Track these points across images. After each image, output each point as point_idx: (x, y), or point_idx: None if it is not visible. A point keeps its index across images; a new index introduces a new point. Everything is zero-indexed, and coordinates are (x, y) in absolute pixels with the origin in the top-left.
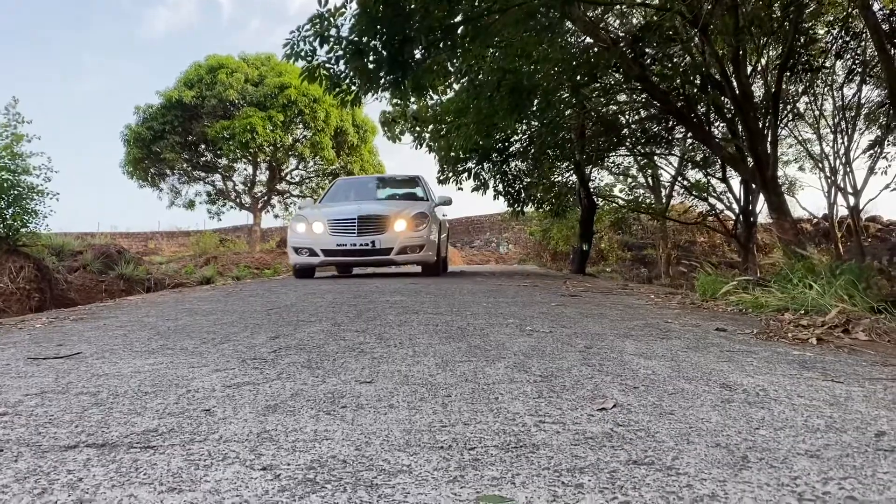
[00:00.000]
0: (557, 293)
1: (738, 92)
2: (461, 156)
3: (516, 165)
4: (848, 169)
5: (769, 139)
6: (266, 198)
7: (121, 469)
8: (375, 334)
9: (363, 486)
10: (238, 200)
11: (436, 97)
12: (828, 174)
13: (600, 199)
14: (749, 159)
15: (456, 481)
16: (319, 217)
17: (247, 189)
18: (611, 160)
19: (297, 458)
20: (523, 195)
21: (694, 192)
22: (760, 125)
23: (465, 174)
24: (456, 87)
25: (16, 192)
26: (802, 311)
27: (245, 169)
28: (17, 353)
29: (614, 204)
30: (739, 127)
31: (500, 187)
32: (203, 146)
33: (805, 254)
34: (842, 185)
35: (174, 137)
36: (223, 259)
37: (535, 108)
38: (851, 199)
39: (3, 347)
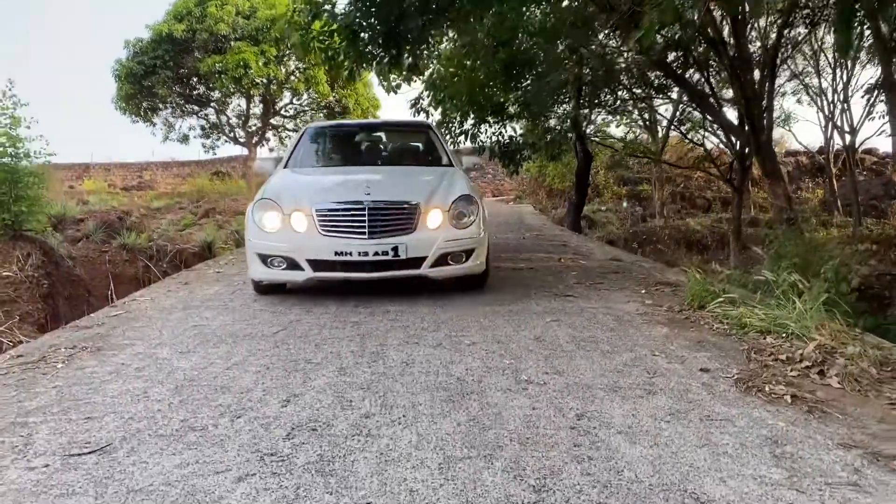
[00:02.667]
0: (553, 285)
1: (736, 55)
2: (458, 118)
3: (511, 126)
4: (845, 106)
5: (765, 104)
6: (260, 132)
7: None
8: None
9: None
10: (232, 134)
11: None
12: (825, 111)
13: (597, 144)
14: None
15: None
16: (300, 201)
17: (241, 123)
18: (608, 100)
19: None
20: (518, 157)
21: (689, 137)
22: (756, 88)
23: (463, 136)
24: (450, 48)
25: (17, 179)
26: (784, 336)
27: (238, 104)
28: (52, 439)
29: (611, 148)
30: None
31: (496, 149)
32: (195, 80)
33: (793, 215)
34: (838, 123)
35: (166, 72)
36: (220, 206)
37: (529, 79)
38: (848, 137)
39: (36, 427)
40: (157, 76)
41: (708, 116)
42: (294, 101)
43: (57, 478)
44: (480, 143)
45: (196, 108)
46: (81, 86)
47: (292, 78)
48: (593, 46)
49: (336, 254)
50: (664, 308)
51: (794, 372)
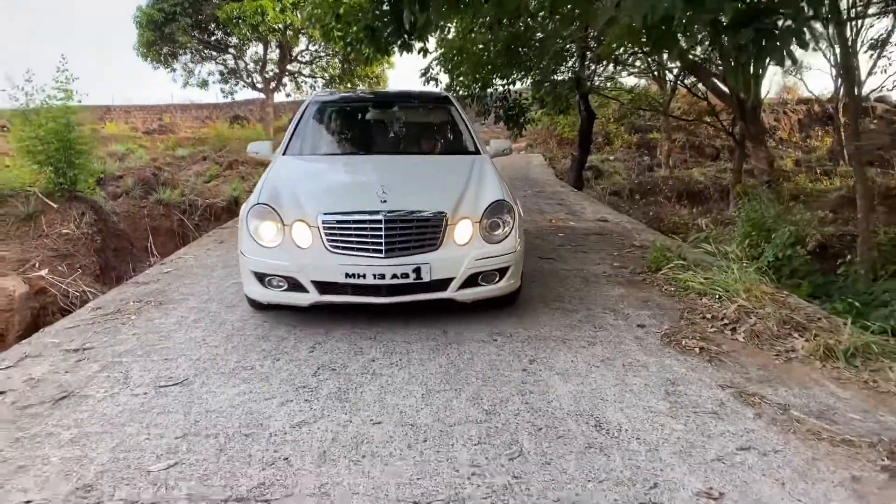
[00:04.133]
0: (538, 248)
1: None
2: (465, 84)
3: (516, 91)
4: (854, 59)
5: (753, 73)
6: (277, 77)
7: None
8: None
9: None
10: (250, 80)
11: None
12: (834, 61)
13: (604, 97)
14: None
15: None
16: (304, 208)
17: (258, 69)
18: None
19: None
20: (522, 119)
21: (693, 91)
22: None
23: (469, 99)
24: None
25: (71, 146)
26: (717, 297)
27: (256, 50)
28: (143, 375)
29: (618, 101)
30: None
31: (501, 112)
32: (214, 26)
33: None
34: (843, 75)
35: (185, 19)
36: (242, 156)
37: (531, 58)
38: (855, 88)
39: (130, 365)
40: (177, 23)
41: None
42: (309, 47)
43: (154, 402)
44: (485, 107)
45: (214, 53)
46: (103, 31)
47: (308, 24)
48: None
49: (347, 276)
50: (628, 271)
51: (712, 329)
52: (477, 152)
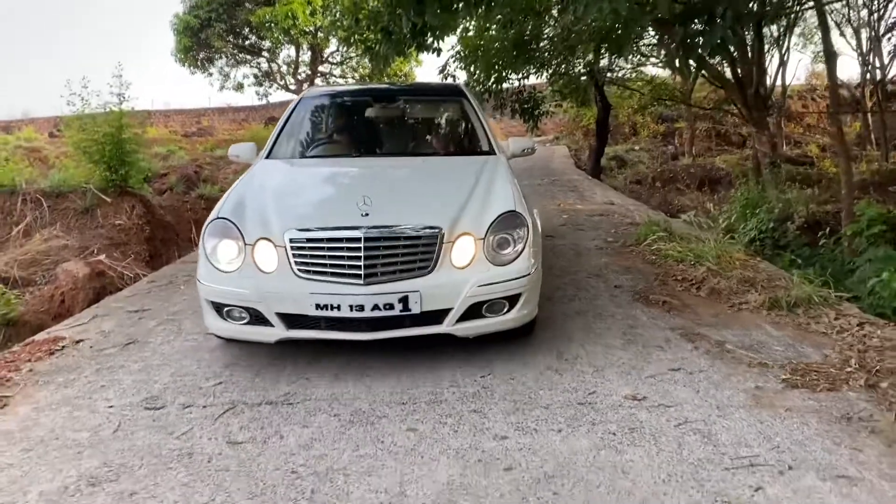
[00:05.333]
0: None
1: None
2: (482, 79)
3: (531, 85)
4: (877, 43)
5: (753, 61)
6: (310, 78)
7: None
8: None
9: None
10: (283, 82)
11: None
12: (855, 47)
13: (624, 89)
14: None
15: None
16: (268, 223)
17: (291, 71)
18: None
19: None
20: (536, 112)
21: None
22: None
23: (486, 94)
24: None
25: (123, 147)
26: (691, 263)
27: (288, 53)
28: (193, 328)
29: (638, 92)
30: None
31: (516, 106)
32: (248, 30)
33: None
34: (869, 60)
35: (220, 25)
36: None
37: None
38: (878, 74)
39: (182, 321)
40: (213, 28)
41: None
42: (340, 48)
43: (204, 345)
44: (501, 101)
45: (249, 57)
46: (142, 38)
47: (344, 22)
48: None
49: (318, 307)
50: (618, 244)
51: (680, 288)
52: (491, 153)
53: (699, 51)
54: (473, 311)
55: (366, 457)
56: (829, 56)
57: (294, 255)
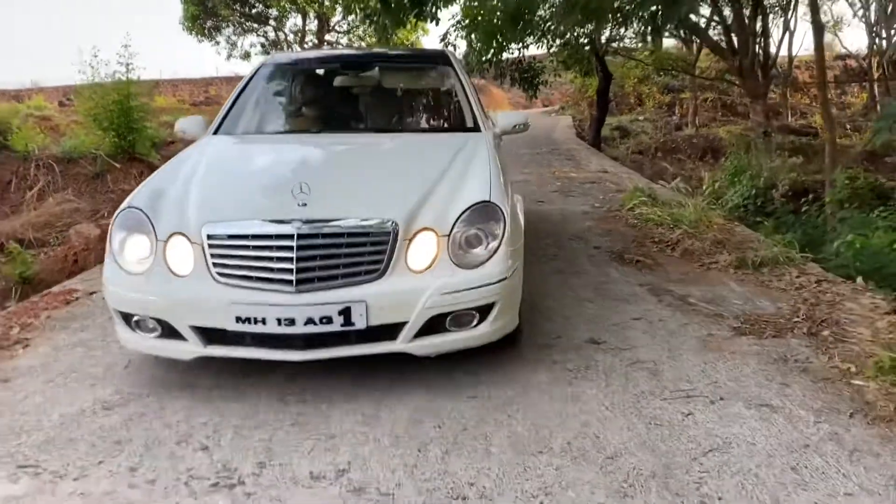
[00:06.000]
0: (533, 194)
1: None
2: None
3: (530, 55)
4: (884, 14)
5: (749, 30)
6: (316, 48)
7: None
8: None
9: None
10: (291, 51)
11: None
12: (865, 17)
13: (628, 59)
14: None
15: None
16: (185, 215)
17: (298, 39)
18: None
19: None
20: (536, 80)
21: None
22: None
23: (487, 64)
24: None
25: (130, 114)
26: (670, 226)
27: (295, 21)
28: None
29: (642, 62)
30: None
31: (516, 75)
32: None
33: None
34: (877, 31)
35: None
36: None
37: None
38: (884, 43)
39: None
40: None
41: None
42: (346, 17)
43: None
44: (501, 70)
45: (256, 25)
46: (149, 6)
47: None
48: None
49: (238, 320)
50: (604, 209)
51: (655, 249)
52: (475, 129)
53: (666, 24)
54: (435, 325)
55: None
56: (818, 28)
57: (212, 255)
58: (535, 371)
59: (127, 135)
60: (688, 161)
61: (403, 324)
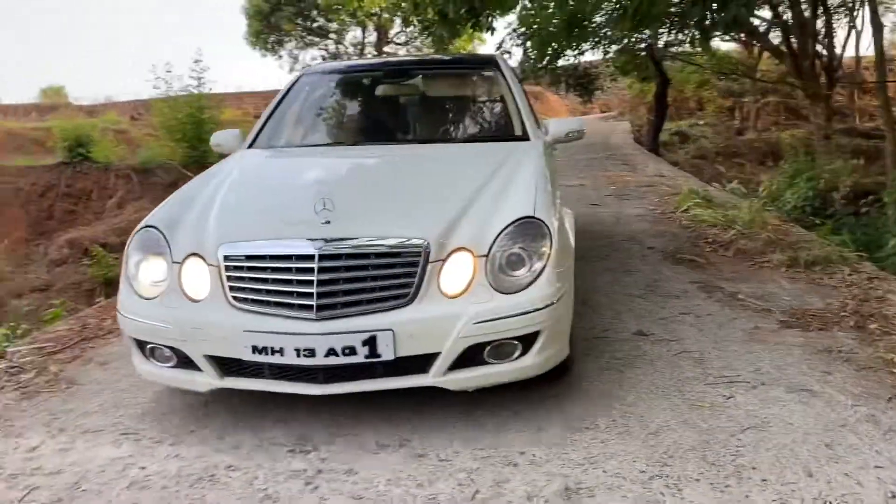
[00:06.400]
0: (589, 197)
1: None
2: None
3: (585, 61)
4: None
5: (809, 31)
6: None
7: None
8: None
9: None
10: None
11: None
12: None
13: (686, 63)
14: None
15: None
16: (203, 235)
17: (357, 52)
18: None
19: None
20: (591, 86)
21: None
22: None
23: (542, 71)
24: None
25: (202, 125)
26: (723, 227)
27: (354, 34)
28: None
29: (701, 66)
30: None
31: (571, 81)
32: (315, 13)
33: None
34: None
35: (289, 8)
36: None
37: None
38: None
39: None
40: (282, 12)
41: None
42: (404, 29)
43: None
44: (557, 77)
45: (317, 39)
46: (214, 23)
47: (403, 4)
48: None
49: (255, 350)
50: (658, 211)
51: (709, 249)
52: (524, 137)
53: (714, 29)
54: (472, 356)
55: None
56: (877, 28)
57: (229, 278)
58: (584, 360)
59: (198, 145)
60: (748, 165)
61: (436, 355)
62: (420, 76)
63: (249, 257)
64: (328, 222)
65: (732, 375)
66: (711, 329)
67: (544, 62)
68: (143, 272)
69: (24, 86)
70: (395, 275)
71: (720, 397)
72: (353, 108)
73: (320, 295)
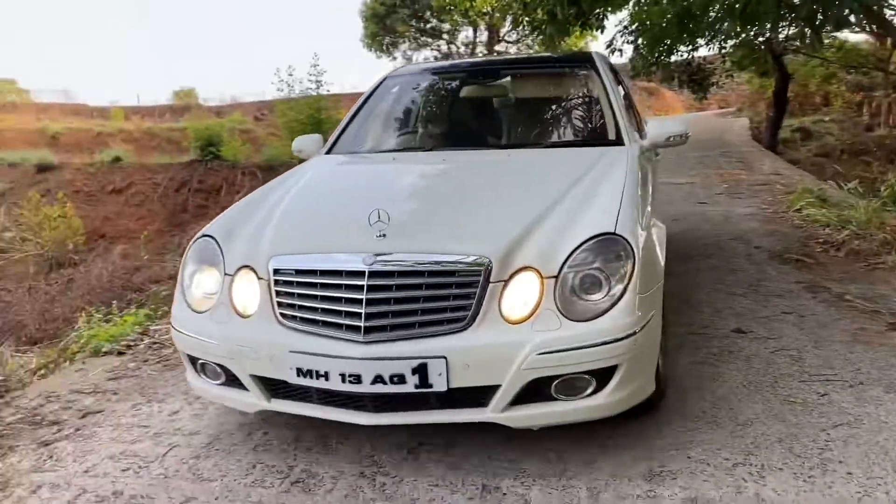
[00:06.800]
0: (697, 196)
1: None
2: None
3: (699, 56)
4: None
5: None
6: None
7: None
8: None
9: None
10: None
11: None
12: None
13: (810, 57)
14: None
15: None
16: (257, 246)
17: (469, 51)
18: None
19: None
20: (705, 82)
21: None
22: None
23: (654, 66)
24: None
25: (322, 124)
26: (837, 227)
27: (466, 34)
28: None
29: (826, 60)
30: None
31: (685, 77)
32: (429, 14)
33: None
34: None
35: (404, 11)
36: None
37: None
38: None
39: None
40: (397, 14)
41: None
42: (514, 29)
43: None
44: (670, 73)
45: (430, 40)
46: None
47: (513, 3)
48: None
49: (300, 373)
50: (770, 210)
51: (819, 249)
52: (618, 142)
53: (824, 26)
54: (537, 390)
55: None
56: None
57: (278, 293)
58: (679, 353)
59: None
60: (876, 164)
61: (494, 388)
62: (509, 77)
63: (299, 272)
64: (383, 235)
65: (830, 374)
66: (813, 328)
67: (655, 58)
68: (197, 284)
69: (159, 88)
70: (450, 296)
71: (814, 394)
72: (434, 111)
73: (369, 316)
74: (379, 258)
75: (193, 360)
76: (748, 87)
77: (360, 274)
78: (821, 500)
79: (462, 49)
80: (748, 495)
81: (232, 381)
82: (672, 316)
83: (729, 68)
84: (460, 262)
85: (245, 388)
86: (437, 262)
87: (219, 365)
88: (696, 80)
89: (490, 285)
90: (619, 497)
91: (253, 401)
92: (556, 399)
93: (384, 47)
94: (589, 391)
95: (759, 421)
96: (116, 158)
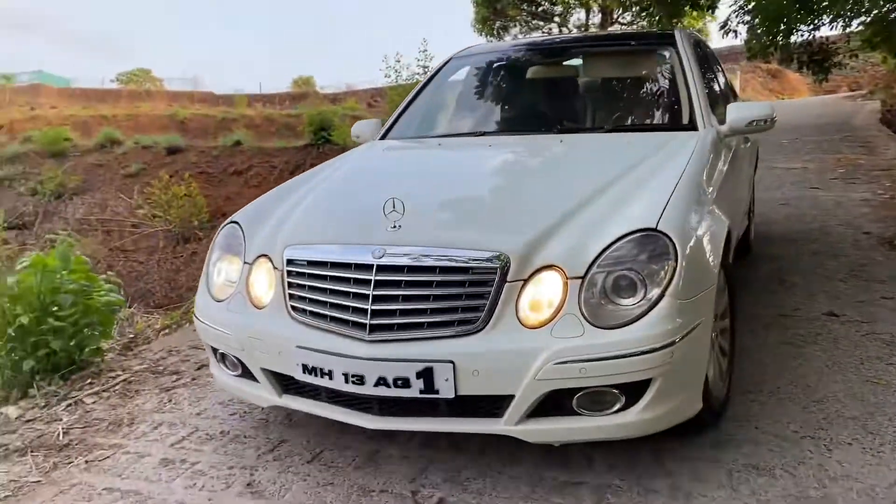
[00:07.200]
0: (808, 180)
1: None
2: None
3: (821, 35)
4: None
5: None
6: None
7: None
8: None
9: None
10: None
11: None
12: None
13: None
14: None
15: None
16: (275, 234)
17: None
18: None
19: None
20: (827, 63)
21: None
22: None
23: (772, 48)
24: None
25: None
26: None
27: (579, 17)
28: None
29: None
30: None
31: (805, 58)
32: None
33: None
34: None
35: None
36: None
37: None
38: None
39: None
40: None
41: None
42: (625, 11)
43: None
44: (789, 54)
45: (541, 23)
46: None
47: None
48: None
49: (305, 370)
50: (886, 196)
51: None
52: (690, 127)
53: None
54: (557, 403)
55: None
56: None
57: (290, 285)
58: (765, 334)
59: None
60: None
61: (508, 398)
62: (580, 57)
63: (311, 263)
64: (396, 227)
65: None
66: None
67: (772, 39)
68: (220, 272)
69: (280, 76)
70: (462, 295)
71: None
72: (493, 93)
73: (375, 313)
74: (389, 251)
75: (214, 350)
76: (884, 68)
77: (368, 268)
78: (886, 473)
79: (575, 31)
80: (811, 465)
81: (247, 373)
82: (766, 297)
83: (854, 48)
84: (474, 259)
85: (252, 378)
86: (448, 258)
87: (234, 356)
88: (817, 60)
89: (507, 285)
90: (682, 459)
91: (265, 395)
92: (578, 414)
93: (495, 31)
94: (617, 407)
95: (836, 399)
96: (237, 142)
